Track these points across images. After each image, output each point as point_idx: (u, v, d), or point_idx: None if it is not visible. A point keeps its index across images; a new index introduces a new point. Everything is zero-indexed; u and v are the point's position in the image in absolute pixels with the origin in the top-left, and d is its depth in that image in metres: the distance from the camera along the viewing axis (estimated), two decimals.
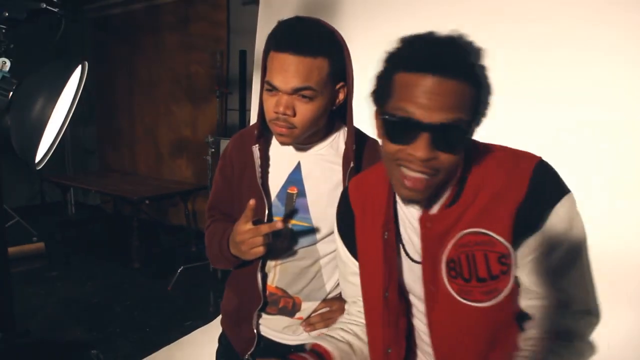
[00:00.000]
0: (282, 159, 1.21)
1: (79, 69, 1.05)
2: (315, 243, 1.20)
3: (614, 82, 1.67)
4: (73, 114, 1.05)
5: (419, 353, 1.05)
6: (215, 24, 4.70)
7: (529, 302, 0.91)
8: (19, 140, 0.95)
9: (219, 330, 1.40)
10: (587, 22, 1.72)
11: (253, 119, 1.71)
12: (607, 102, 1.68)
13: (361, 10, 2.30)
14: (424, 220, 0.91)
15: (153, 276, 4.04)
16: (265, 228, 1.06)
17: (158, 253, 4.68)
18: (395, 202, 0.99)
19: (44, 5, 1.00)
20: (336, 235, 1.11)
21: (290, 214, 1.18)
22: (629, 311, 1.51)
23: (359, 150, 1.19)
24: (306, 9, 2.44)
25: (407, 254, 0.98)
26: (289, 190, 1.19)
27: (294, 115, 1.05)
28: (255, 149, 1.18)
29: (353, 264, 1.07)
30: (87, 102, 6.09)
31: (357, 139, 1.18)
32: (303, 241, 1.19)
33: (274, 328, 1.26)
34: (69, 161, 6.48)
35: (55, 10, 1.02)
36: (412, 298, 1.02)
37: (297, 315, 1.24)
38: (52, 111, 0.94)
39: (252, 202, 1.07)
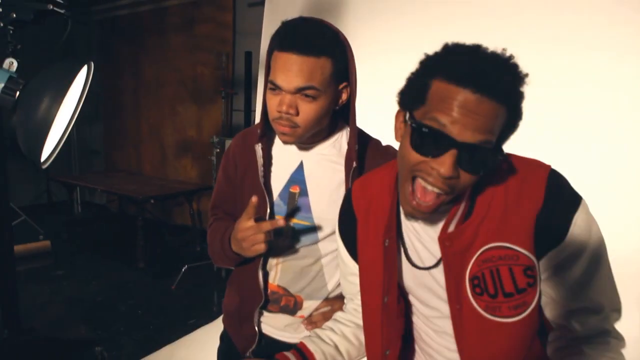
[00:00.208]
0: (284, 158, 1.21)
1: (84, 70, 1.07)
2: (316, 242, 1.20)
3: (617, 83, 1.67)
4: (79, 114, 1.06)
5: (417, 350, 1.06)
6: (221, 25, 4.72)
7: (557, 312, 0.89)
8: (25, 140, 0.97)
9: (222, 328, 1.40)
10: (591, 22, 1.72)
11: (258, 119, 1.72)
12: (608, 102, 1.68)
13: (365, 12, 2.31)
14: (442, 240, 0.89)
15: (157, 275, 4.06)
16: (266, 225, 1.07)
17: (162, 252, 4.70)
18: (398, 210, 0.98)
19: (51, 7, 1.01)
20: (337, 236, 1.12)
21: (292, 212, 1.19)
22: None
23: (362, 151, 1.19)
24: (311, 10, 2.45)
25: (410, 261, 0.97)
26: (291, 189, 1.19)
27: (297, 114, 1.05)
28: (258, 148, 1.19)
29: (353, 266, 1.08)
30: (93, 102, 6.14)
31: (360, 139, 1.18)
32: (305, 240, 1.20)
33: (276, 326, 1.27)
34: (75, 161, 6.52)
35: (62, 11, 1.03)
36: (411, 299, 1.02)
37: (299, 313, 1.24)
38: (57, 111, 0.95)
39: (254, 199, 1.07)
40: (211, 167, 4.00)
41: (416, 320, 1.03)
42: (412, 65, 0.86)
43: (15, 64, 0.97)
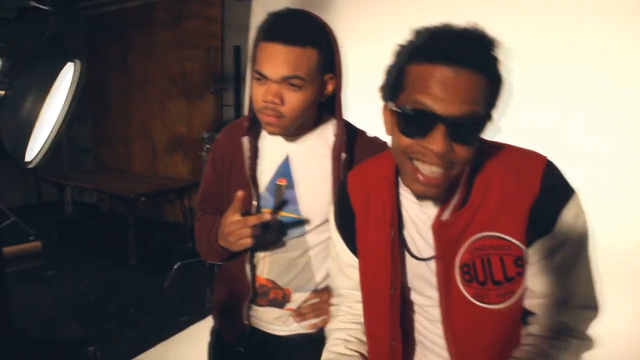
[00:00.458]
0: (271, 151, 1.21)
1: (71, 67, 1.05)
2: (304, 234, 1.20)
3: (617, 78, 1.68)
4: (68, 112, 1.05)
5: (417, 346, 1.06)
6: (209, 20, 4.69)
7: (531, 300, 0.91)
8: (9, 140, 0.95)
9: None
10: (592, 18, 1.73)
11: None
12: (607, 99, 1.69)
13: (352, 4, 2.30)
14: (436, 227, 0.90)
15: (149, 273, 4.04)
16: (253, 219, 1.06)
17: (154, 250, 4.68)
18: (398, 200, 0.98)
19: (34, 3, 1.00)
20: (333, 228, 1.11)
21: (279, 205, 1.19)
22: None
23: (350, 142, 1.20)
24: (298, 3, 2.44)
25: (410, 252, 0.98)
26: (277, 182, 1.19)
27: (283, 104, 1.06)
28: (245, 141, 1.18)
29: (350, 258, 1.07)
30: (81, 100, 6.05)
31: (347, 130, 1.18)
32: (292, 232, 1.20)
33: (265, 319, 1.27)
34: (65, 160, 6.46)
35: (46, 8, 1.02)
36: (413, 294, 1.01)
37: (287, 306, 1.25)
38: (40, 109, 0.94)
39: (239, 193, 1.07)
40: (202, 163, 3.97)
41: (411, 309, 1.03)
42: None
43: (0, 62, 0.95)
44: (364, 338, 1.07)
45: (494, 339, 0.91)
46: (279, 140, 1.20)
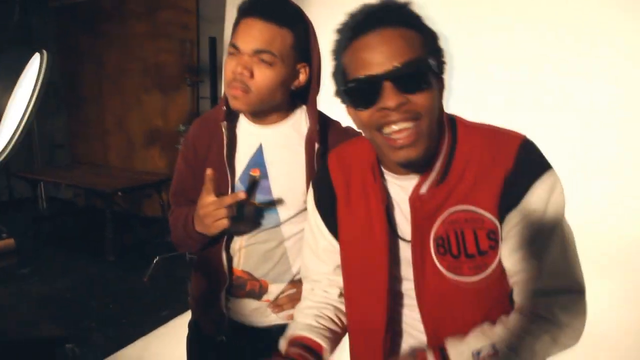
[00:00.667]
0: (244, 141, 1.21)
1: (37, 59, 1.02)
2: (278, 225, 1.20)
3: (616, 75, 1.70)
4: (40, 106, 1.01)
5: (404, 335, 1.03)
6: (184, 11, 4.61)
7: (509, 279, 0.90)
8: None
9: None
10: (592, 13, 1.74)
11: None
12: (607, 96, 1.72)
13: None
14: (413, 200, 0.90)
15: (128, 268, 3.99)
16: (228, 200, 1.06)
17: (133, 245, 4.63)
18: (383, 182, 0.97)
19: None
20: (313, 211, 1.09)
21: (252, 196, 1.18)
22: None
23: (324, 132, 1.19)
24: None
25: (398, 234, 0.97)
26: (251, 172, 1.18)
27: (252, 77, 1.06)
28: (223, 127, 1.17)
29: (329, 242, 1.06)
30: (54, 94, 5.93)
31: (321, 121, 1.18)
32: (266, 223, 1.19)
33: (242, 311, 1.26)
34: (38, 155, 6.31)
35: None
36: (399, 280, 0.99)
37: (265, 297, 1.24)
38: (7, 103, 0.91)
39: (209, 172, 1.07)
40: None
41: (395, 296, 1.01)
42: None
43: None
44: (335, 318, 1.06)
45: (467, 314, 0.90)
46: (252, 130, 1.20)
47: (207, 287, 1.26)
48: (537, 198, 0.85)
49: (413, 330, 0.99)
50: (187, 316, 1.73)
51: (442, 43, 0.88)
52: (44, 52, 1.02)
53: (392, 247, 0.96)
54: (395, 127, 0.83)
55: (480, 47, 1.90)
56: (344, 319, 1.08)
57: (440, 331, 0.92)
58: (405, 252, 0.95)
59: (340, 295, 1.08)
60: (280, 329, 1.26)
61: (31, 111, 1.00)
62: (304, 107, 1.22)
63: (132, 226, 4.90)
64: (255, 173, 1.18)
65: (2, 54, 0.96)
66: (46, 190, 6.29)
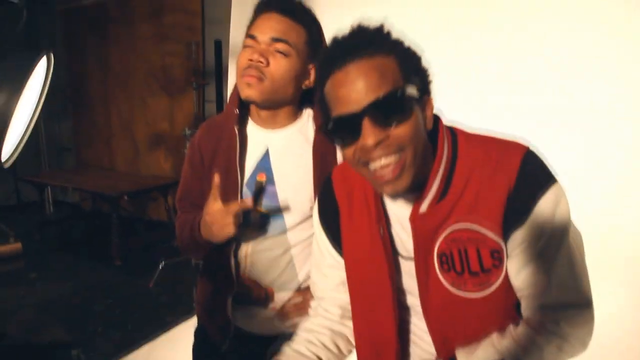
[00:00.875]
0: (251, 145, 1.19)
1: (44, 61, 1.01)
2: (284, 232, 1.18)
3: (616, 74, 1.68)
4: (47, 110, 1.01)
5: (411, 346, 1.03)
6: (189, 13, 4.62)
7: (519, 295, 0.89)
8: None
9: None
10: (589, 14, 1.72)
11: None
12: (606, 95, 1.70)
13: (336, 3, 2.28)
14: (413, 219, 0.89)
15: (134, 273, 3.99)
16: (235, 207, 1.05)
17: (139, 249, 4.61)
18: (382, 198, 0.96)
19: None
20: (317, 226, 1.08)
21: (258, 201, 1.17)
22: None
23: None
24: None
25: (398, 252, 0.96)
26: (257, 177, 1.17)
27: (267, 65, 1.07)
28: (236, 129, 1.17)
29: (333, 258, 1.04)
30: (61, 97, 5.96)
31: None
32: (272, 230, 1.18)
33: (248, 320, 1.25)
34: (45, 159, 6.34)
35: (15, 1, 0.98)
36: (404, 294, 0.99)
37: (271, 305, 1.23)
38: (15, 106, 0.90)
39: (216, 178, 1.06)
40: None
41: (403, 309, 1.00)
42: None
43: None
44: (330, 345, 1.04)
45: (473, 328, 0.89)
46: (258, 134, 1.19)
47: (214, 293, 1.25)
48: (542, 215, 0.83)
49: (421, 341, 0.98)
50: (192, 321, 1.72)
51: (424, 62, 0.86)
52: (51, 54, 1.02)
53: (394, 262, 0.95)
54: (378, 163, 0.82)
55: (479, 48, 1.89)
56: (342, 344, 1.06)
57: (448, 342, 0.91)
58: (408, 266, 0.94)
59: (342, 316, 1.06)
60: (287, 337, 1.24)
61: (39, 115, 1.00)
62: (311, 111, 1.21)
63: (138, 230, 4.90)
64: (262, 178, 1.17)
65: (9, 56, 0.96)
66: (53, 194, 6.31)
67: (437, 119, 0.91)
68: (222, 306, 1.22)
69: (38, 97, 1.02)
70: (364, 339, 1.03)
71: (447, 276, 0.88)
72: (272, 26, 1.08)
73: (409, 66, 0.84)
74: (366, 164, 0.83)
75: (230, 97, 1.22)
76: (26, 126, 1.02)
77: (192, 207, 1.26)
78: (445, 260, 0.88)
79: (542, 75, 1.82)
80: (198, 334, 1.37)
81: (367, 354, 1.03)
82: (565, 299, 0.86)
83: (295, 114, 1.20)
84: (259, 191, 1.16)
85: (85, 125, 5.97)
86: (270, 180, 1.17)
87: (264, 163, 1.18)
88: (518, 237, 0.84)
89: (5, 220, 4.80)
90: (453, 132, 0.92)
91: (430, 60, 0.87)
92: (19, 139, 1.02)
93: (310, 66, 1.14)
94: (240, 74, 1.09)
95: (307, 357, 1.01)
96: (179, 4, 4.67)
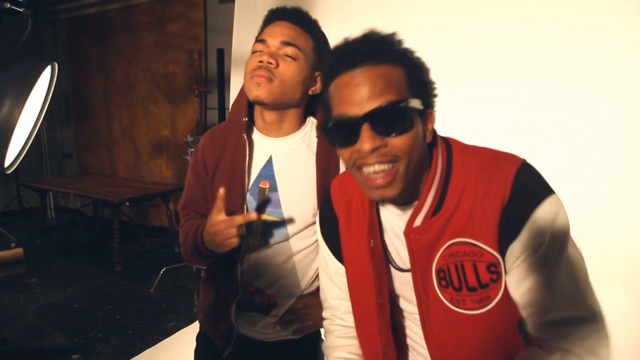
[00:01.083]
0: (255, 153, 1.20)
1: (48, 71, 1.03)
2: (287, 239, 1.19)
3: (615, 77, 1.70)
4: (50, 116, 1.03)
5: (409, 351, 1.04)
6: (192, 22, 4.66)
7: (522, 312, 0.87)
8: None
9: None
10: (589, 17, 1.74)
11: None
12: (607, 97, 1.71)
13: (336, 10, 2.30)
14: (408, 233, 0.89)
15: (135, 279, 3.99)
16: (239, 219, 1.05)
17: (140, 255, 4.62)
18: (378, 209, 0.97)
19: (9, 5, 0.97)
20: (319, 237, 1.10)
21: (262, 208, 1.18)
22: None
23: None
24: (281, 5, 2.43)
25: (393, 263, 0.96)
26: (261, 185, 1.18)
27: (277, 66, 1.10)
28: (245, 136, 1.18)
29: (337, 267, 1.06)
30: (63, 104, 6.00)
31: None
32: (275, 237, 1.19)
33: (250, 326, 1.25)
34: (47, 165, 6.37)
35: (21, 10, 0.99)
36: (402, 302, 1.00)
37: (273, 312, 1.23)
38: (20, 114, 0.92)
39: (221, 191, 1.06)
40: (186, 167, 3.92)
41: (401, 315, 1.02)
42: None
43: None
44: (359, 351, 1.05)
45: (473, 346, 0.88)
46: (261, 141, 1.20)
47: (218, 299, 1.25)
48: (538, 226, 0.81)
49: (423, 350, 0.98)
50: (193, 327, 1.73)
51: (430, 76, 0.87)
52: (55, 64, 1.03)
53: (387, 274, 0.97)
54: (372, 169, 0.83)
55: (479, 48, 1.91)
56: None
57: (444, 354, 0.91)
58: (405, 278, 0.95)
59: None
60: (288, 343, 1.25)
61: (41, 122, 1.02)
62: (314, 120, 1.23)
63: (139, 236, 4.91)
64: (265, 185, 1.18)
65: (15, 65, 0.97)
66: (55, 199, 6.34)
67: (433, 130, 0.90)
68: (226, 312, 1.23)
69: (41, 105, 1.04)
70: (362, 346, 1.04)
71: (446, 293, 0.87)
72: (282, 32, 1.11)
73: (416, 78, 0.84)
74: (360, 167, 0.84)
75: (233, 106, 1.23)
76: (29, 133, 1.04)
77: (196, 215, 1.27)
78: (443, 277, 0.87)
79: (540, 80, 1.84)
80: (200, 339, 1.37)
81: (366, 358, 1.04)
82: (571, 313, 0.83)
83: (300, 121, 1.21)
84: (263, 198, 1.17)
85: (87, 132, 6.00)
86: (274, 187, 1.18)
87: (267, 171, 1.19)
88: (515, 250, 0.83)
89: (6, 226, 4.82)
90: (448, 143, 0.91)
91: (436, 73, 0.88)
92: (22, 145, 1.04)
93: (317, 73, 1.17)
94: (250, 76, 1.11)
95: None
96: (181, 13, 4.71)
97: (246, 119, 1.19)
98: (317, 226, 1.10)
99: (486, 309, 0.85)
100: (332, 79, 0.85)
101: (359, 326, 1.03)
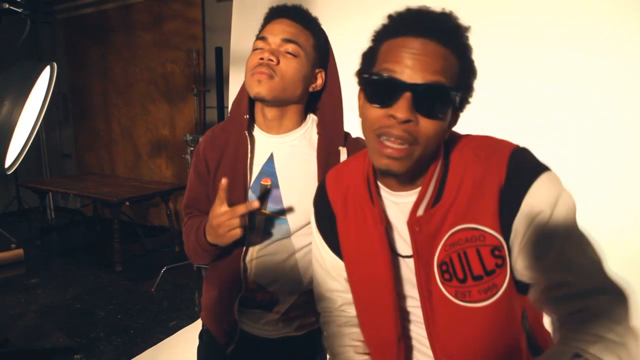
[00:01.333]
0: (256, 150, 1.21)
1: (47, 71, 1.03)
2: (289, 236, 1.19)
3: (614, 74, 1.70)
4: (48, 117, 1.03)
5: (415, 350, 1.02)
6: (190, 21, 4.65)
7: (533, 295, 0.84)
8: None
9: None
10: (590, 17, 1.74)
11: None
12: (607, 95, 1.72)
13: (335, 8, 2.30)
14: (411, 224, 0.88)
15: (136, 278, 3.99)
16: (241, 209, 1.05)
17: (140, 255, 4.62)
18: (381, 197, 0.96)
19: (7, 6, 0.97)
20: (314, 230, 1.09)
21: (264, 205, 1.18)
22: None
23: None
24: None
25: (396, 250, 0.95)
26: (262, 182, 1.18)
27: (278, 63, 1.10)
28: (246, 133, 1.18)
29: (335, 260, 1.05)
30: (62, 104, 5.99)
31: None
32: (277, 234, 1.19)
33: (254, 323, 1.26)
34: (46, 166, 6.36)
35: (19, 10, 0.99)
36: (402, 300, 0.98)
37: (276, 309, 1.23)
38: (19, 114, 0.92)
39: (224, 181, 1.06)
40: (186, 166, 3.94)
41: (412, 316, 1.00)
42: None
43: None
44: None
45: (479, 340, 0.87)
46: (262, 139, 1.20)
47: (220, 296, 1.25)
48: (538, 200, 0.80)
49: (421, 345, 0.98)
50: (195, 326, 1.73)
51: (474, 80, 0.86)
52: (54, 64, 1.03)
53: (394, 266, 0.95)
54: (390, 143, 0.81)
55: (479, 48, 1.92)
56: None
57: (448, 350, 0.90)
58: (407, 272, 0.94)
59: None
60: (291, 340, 1.25)
61: (40, 123, 1.01)
62: (315, 117, 1.24)
63: (139, 236, 4.91)
64: (267, 182, 1.18)
65: (14, 65, 0.97)
66: (54, 200, 6.33)
67: (451, 132, 0.90)
68: (229, 309, 1.23)
69: (41, 105, 1.03)
70: (370, 337, 1.04)
71: (450, 288, 0.86)
72: (283, 29, 1.12)
73: (466, 77, 0.84)
74: (380, 134, 0.82)
75: (234, 104, 1.24)
76: (29, 133, 1.04)
77: (199, 213, 1.28)
78: (446, 269, 0.86)
79: (543, 76, 1.84)
80: (203, 336, 1.37)
81: (374, 349, 1.03)
82: (590, 283, 0.78)
83: (301, 118, 1.21)
84: (264, 195, 1.17)
85: (86, 132, 5.99)
86: (275, 184, 1.18)
87: (269, 168, 1.19)
88: (519, 227, 0.81)
89: (6, 227, 4.82)
90: None
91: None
92: (22, 145, 1.03)
93: (317, 70, 1.18)
94: (251, 73, 1.11)
95: None
96: (179, 11, 4.70)
97: (247, 116, 1.19)
98: (313, 220, 1.09)
99: (493, 299, 0.84)
100: (388, 38, 0.83)
101: (369, 321, 1.01)
